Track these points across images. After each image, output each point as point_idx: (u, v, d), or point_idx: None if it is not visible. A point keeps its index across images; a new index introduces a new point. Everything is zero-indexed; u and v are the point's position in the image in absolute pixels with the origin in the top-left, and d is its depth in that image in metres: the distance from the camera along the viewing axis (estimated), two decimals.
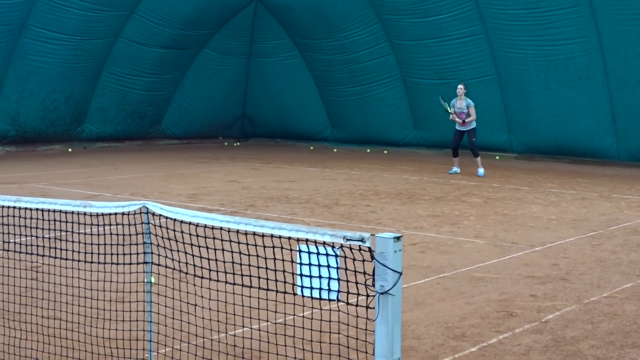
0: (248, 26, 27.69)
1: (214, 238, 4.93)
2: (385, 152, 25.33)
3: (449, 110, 19.32)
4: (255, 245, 4.71)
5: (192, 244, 5.12)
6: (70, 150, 25.19)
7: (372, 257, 3.94)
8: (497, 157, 23.54)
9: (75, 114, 25.61)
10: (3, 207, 5.80)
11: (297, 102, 28.15)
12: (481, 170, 19.28)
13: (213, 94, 28.55)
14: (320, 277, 4.18)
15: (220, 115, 29.30)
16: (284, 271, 4.67)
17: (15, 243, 6.60)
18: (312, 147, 27.12)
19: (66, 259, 5.86)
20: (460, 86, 19.47)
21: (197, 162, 22.14)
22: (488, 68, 23.37)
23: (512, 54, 22.62)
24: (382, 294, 3.94)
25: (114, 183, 17.21)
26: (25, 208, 5.69)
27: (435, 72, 24.28)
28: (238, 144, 29.00)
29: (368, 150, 25.90)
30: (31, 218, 6.00)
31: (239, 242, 4.84)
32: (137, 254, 5.37)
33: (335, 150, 26.30)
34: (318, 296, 4.19)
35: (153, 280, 5.35)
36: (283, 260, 4.72)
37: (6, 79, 23.54)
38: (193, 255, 5.10)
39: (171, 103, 27.94)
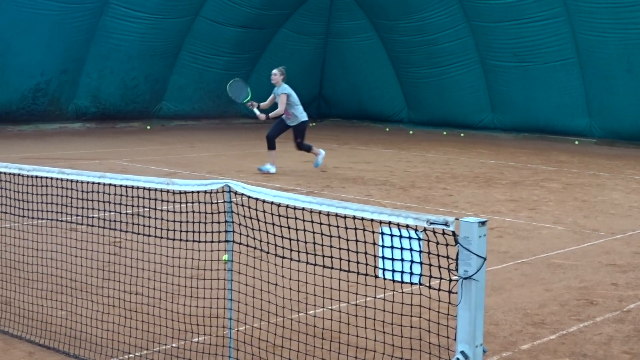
0: (326, 6, 27.65)
1: (296, 218, 4.93)
2: (462, 135, 25.11)
3: (252, 105, 15.81)
4: (338, 227, 4.70)
5: (273, 224, 5.13)
6: (148, 127, 25.54)
7: (456, 242, 3.90)
8: (577, 142, 23.14)
9: (153, 92, 25.95)
10: (88, 182, 5.89)
11: (373, 83, 28.05)
12: (319, 160, 16.13)
13: (290, 74, 28.43)
14: (402, 260, 4.16)
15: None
16: (365, 253, 4.65)
17: (98, 218, 6.71)
18: (387, 129, 27.02)
19: (148, 235, 5.93)
20: (274, 71, 15.88)
21: None
22: (569, 51, 22.94)
23: (594, 37, 22.15)
24: (465, 279, 3.90)
25: (192, 161, 17.40)
26: (109, 184, 5.77)
27: (514, 54, 23.95)
28: (314, 124, 29.03)
29: (444, 133, 25.70)
30: (115, 194, 6.08)
31: (320, 223, 4.84)
32: (219, 232, 5.40)
33: (411, 132, 26.16)
34: (400, 279, 4.17)
35: (225, 257, 5.38)
36: (365, 242, 4.70)
37: (88, 56, 23.96)
38: (275, 235, 5.11)
39: (248, 82, 28.07)
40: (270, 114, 15.68)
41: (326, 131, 26.20)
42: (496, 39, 24.17)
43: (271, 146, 15.77)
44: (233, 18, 25.79)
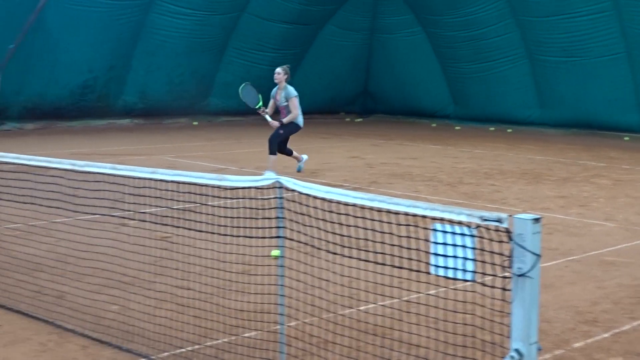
0: (371, 1, 27.59)
1: (347, 214, 4.92)
2: (509, 130, 24.89)
3: (264, 111, 14.77)
4: (389, 223, 4.69)
5: (325, 220, 5.13)
6: (195, 123, 25.68)
7: (510, 239, 3.87)
8: (626, 138, 22.81)
9: (200, 88, 26.08)
10: (140, 178, 5.94)
11: (419, 78, 27.92)
12: (269, 174, 13.69)
13: (335, 70, 28.59)
14: (455, 256, 4.14)
15: (342, 91, 29.33)
16: (417, 249, 4.63)
17: (149, 214, 6.77)
18: (433, 125, 26.88)
19: (199, 231, 5.97)
20: (278, 70, 14.76)
21: (319, 138, 22.23)
22: (618, 46, 22.61)
23: None
24: (519, 276, 3.88)
25: (239, 157, 17.47)
26: (161, 180, 5.81)
27: (562, 49, 23.67)
28: (359, 120, 29.00)
29: (491, 129, 25.50)
30: (166, 190, 6.10)
31: (372, 219, 4.83)
32: (270, 227, 5.40)
33: (457, 128, 25.99)
34: (452, 276, 4.15)
35: (275, 253, 5.40)
36: (417, 238, 4.68)
37: (135, 53, 24.16)
38: (325, 231, 5.11)
39: (294, 78, 28.01)
40: (285, 120, 14.60)
41: (372, 127, 26.16)
42: (544, 34, 23.92)
43: (288, 153, 15.03)
44: (279, 14, 25.83)
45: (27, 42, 21.77)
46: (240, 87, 15.33)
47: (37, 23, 21.57)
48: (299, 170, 15.13)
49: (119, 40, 23.48)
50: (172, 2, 23.74)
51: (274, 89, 14.74)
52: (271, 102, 14.84)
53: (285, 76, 14.58)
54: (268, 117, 14.70)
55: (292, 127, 14.74)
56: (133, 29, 23.59)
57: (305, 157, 15.32)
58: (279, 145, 14.76)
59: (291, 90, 14.57)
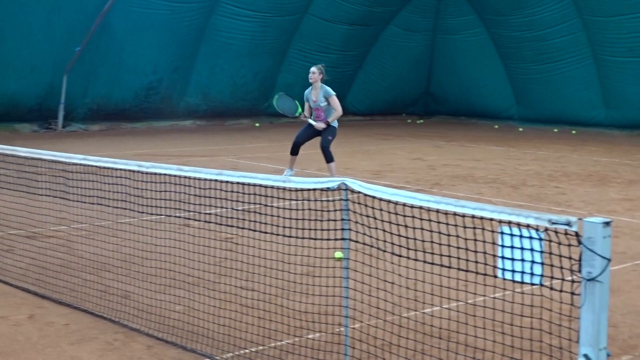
0: (434, 2, 27.48)
1: (413, 217, 4.89)
2: (574, 132, 24.56)
3: (306, 117, 13.86)
4: (456, 225, 4.65)
5: (390, 222, 5.11)
6: (257, 125, 25.81)
7: (579, 242, 3.81)
8: None
9: (262, 89, 26.21)
10: (205, 179, 5.97)
11: (481, 79, 27.73)
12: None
13: (397, 71, 28.53)
14: (522, 260, 4.08)
15: (403, 92, 29.26)
16: (484, 253, 4.58)
17: (215, 215, 6.81)
18: (496, 126, 26.64)
19: (264, 232, 5.98)
20: (313, 69, 13.62)
21: (381, 139, 22.20)
22: None
23: None
24: (589, 280, 3.81)
25: (300, 158, 17.27)
26: (226, 181, 5.84)
27: (629, 49, 23.30)
28: (421, 121, 28.88)
29: (555, 130, 25.19)
30: (231, 191, 6.11)
31: (438, 222, 4.79)
32: (335, 230, 5.40)
33: (520, 129, 25.73)
34: (520, 280, 4.10)
35: (338, 255, 5.39)
36: (484, 241, 4.64)
37: (198, 54, 24.38)
38: (391, 233, 5.09)
39: (355, 80, 28.10)
40: (330, 120, 13.59)
41: (433, 128, 26.03)
42: (609, 34, 23.57)
43: (295, 152, 14.16)
44: (341, 15, 25.86)
45: (93, 44, 22.13)
46: (275, 99, 14.62)
47: (102, 26, 21.92)
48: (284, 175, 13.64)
49: (183, 43, 23.74)
50: (234, 4, 23.92)
51: (307, 90, 13.77)
52: (306, 105, 13.90)
53: (321, 75, 13.60)
54: (312, 121, 13.83)
55: (334, 129, 13.84)
56: (196, 31, 23.83)
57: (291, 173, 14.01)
58: (298, 146, 14.09)
59: (328, 88, 13.62)
